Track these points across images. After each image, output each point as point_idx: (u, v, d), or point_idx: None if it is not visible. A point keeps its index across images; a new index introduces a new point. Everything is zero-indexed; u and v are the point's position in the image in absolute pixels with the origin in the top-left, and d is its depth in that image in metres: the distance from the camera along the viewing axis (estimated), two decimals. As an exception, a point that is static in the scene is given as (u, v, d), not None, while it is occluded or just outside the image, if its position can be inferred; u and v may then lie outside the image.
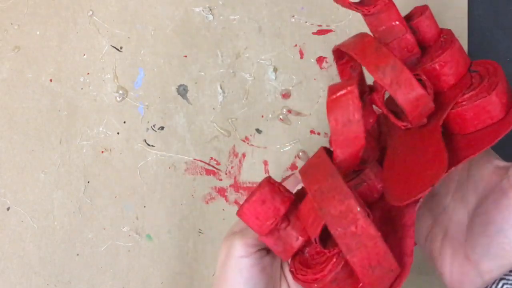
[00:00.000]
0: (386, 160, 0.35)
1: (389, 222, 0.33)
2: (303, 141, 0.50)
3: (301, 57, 0.51)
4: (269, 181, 0.33)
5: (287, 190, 0.34)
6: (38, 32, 0.51)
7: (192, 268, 0.49)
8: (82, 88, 0.51)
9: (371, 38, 0.33)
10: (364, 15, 0.35)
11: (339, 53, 0.38)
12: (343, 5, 0.34)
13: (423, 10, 0.36)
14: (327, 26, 0.51)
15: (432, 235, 0.36)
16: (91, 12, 0.51)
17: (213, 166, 0.50)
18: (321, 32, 0.51)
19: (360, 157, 0.32)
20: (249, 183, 0.50)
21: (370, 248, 0.28)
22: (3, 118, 0.50)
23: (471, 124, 0.33)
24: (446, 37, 0.35)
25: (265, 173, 0.50)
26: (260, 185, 0.33)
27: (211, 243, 0.50)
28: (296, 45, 0.51)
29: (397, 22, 0.34)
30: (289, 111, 0.50)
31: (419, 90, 0.31)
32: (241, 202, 0.50)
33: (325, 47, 0.51)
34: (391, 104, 0.34)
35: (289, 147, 0.50)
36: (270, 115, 0.51)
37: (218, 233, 0.50)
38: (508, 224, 0.30)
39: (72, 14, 0.51)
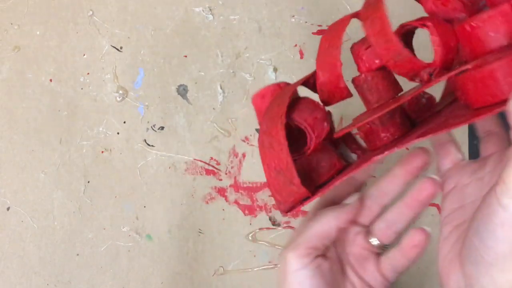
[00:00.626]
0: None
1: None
2: (303, 141, 0.50)
3: (301, 57, 0.51)
4: (278, 84, 0.37)
5: (290, 92, 0.35)
6: (38, 32, 0.51)
7: (192, 268, 0.49)
8: (82, 88, 0.51)
9: None
10: None
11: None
12: None
13: None
14: (327, 26, 0.51)
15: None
16: (91, 12, 0.51)
17: (213, 166, 0.50)
18: (321, 32, 0.51)
19: (340, 86, 0.34)
20: (249, 183, 0.50)
21: (276, 152, 0.32)
22: (3, 118, 0.50)
23: (474, 97, 0.30)
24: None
25: (265, 173, 0.50)
26: (270, 84, 0.37)
27: (211, 243, 0.50)
28: (296, 45, 0.51)
29: None
30: (289, 111, 0.50)
31: (387, 31, 0.30)
32: (241, 202, 0.50)
33: (325, 47, 0.51)
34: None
35: (289, 147, 0.50)
36: (270, 115, 0.51)
37: (218, 233, 0.50)
38: (488, 231, 0.29)
39: (72, 14, 0.51)
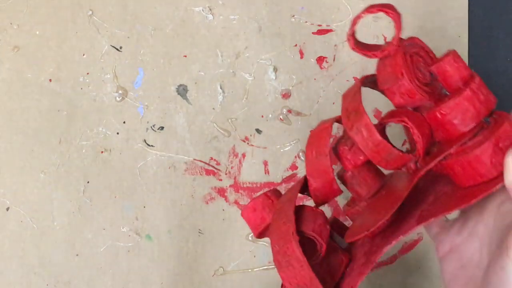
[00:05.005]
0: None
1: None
2: (303, 141, 0.50)
3: (301, 57, 0.51)
4: (266, 194, 0.38)
5: (292, 207, 0.36)
6: (37, 32, 0.51)
7: (192, 268, 0.49)
8: (81, 88, 0.51)
9: (358, 83, 0.34)
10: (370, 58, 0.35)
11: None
12: (350, 47, 0.34)
13: (447, 54, 0.34)
14: (327, 26, 0.51)
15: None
16: (90, 12, 0.51)
17: (213, 166, 0.50)
18: (321, 32, 0.51)
19: (334, 188, 0.35)
20: (249, 183, 0.50)
21: (297, 269, 0.32)
22: (3, 118, 0.50)
23: (463, 178, 0.32)
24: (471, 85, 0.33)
25: (265, 173, 0.50)
26: (258, 195, 0.38)
27: (211, 243, 0.49)
28: (296, 45, 0.51)
29: (398, 68, 0.33)
30: (289, 111, 0.50)
31: (375, 137, 0.32)
32: (241, 202, 0.50)
33: (325, 47, 0.51)
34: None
35: (289, 147, 0.50)
36: (270, 115, 0.50)
37: (218, 233, 0.50)
38: None
39: (71, 14, 0.51)
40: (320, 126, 0.36)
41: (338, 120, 0.35)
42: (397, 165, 0.33)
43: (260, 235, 0.38)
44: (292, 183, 0.50)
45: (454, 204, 0.31)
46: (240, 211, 0.50)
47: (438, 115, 0.32)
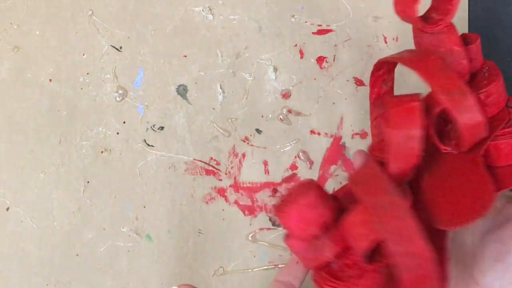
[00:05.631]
0: (425, 182, 0.34)
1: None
2: (303, 141, 0.50)
3: (301, 57, 0.51)
4: (317, 185, 0.32)
5: (331, 197, 0.33)
6: (37, 32, 0.51)
7: (192, 268, 0.49)
8: (81, 88, 0.51)
9: (438, 57, 0.32)
10: (424, 33, 0.34)
11: (379, 65, 0.38)
12: (406, 19, 0.33)
13: (473, 38, 0.35)
14: (327, 26, 0.51)
15: None
16: (90, 12, 0.51)
17: (213, 166, 0.50)
18: (321, 32, 0.51)
19: (411, 174, 0.31)
20: (249, 183, 0.50)
21: (424, 269, 0.28)
22: (2, 118, 0.50)
23: (504, 158, 0.32)
24: (488, 68, 0.35)
25: (265, 173, 0.50)
26: (306, 186, 0.32)
27: (211, 243, 0.49)
28: (296, 45, 0.51)
29: (457, 47, 0.33)
30: (289, 111, 0.50)
31: (480, 117, 0.31)
32: (241, 202, 0.50)
33: (325, 47, 0.51)
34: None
35: (289, 147, 0.50)
36: (270, 115, 0.50)
37: (218, 233, 0.50)
38: None
39: (71, 14, 0.51)
40: (404, 103, 0.31)
41: (427, 98, 0.33)
42: (474, 143, 0.32)
43: (307, 238, 0.32)
44: (293, 183, 0.50)
45: (497, 186, 0.31)
46: (240, 212, 0.50)
47: (483, 96, 0.33)
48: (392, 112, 0.30)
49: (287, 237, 0.33)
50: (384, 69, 0.39)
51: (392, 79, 0.39)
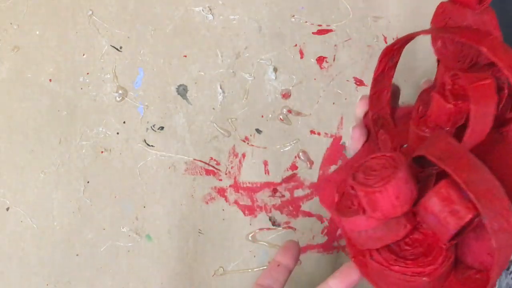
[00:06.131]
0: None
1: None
2: (303, 141, 0.50)
3: (301, 57, 0.51)
4: (404, 158, 0.30)
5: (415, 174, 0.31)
6: (37, 32, 0.51)
7: (192, 268, 0.49)
8: (81, 88, 0.51)
9: (496, 36, 0.32)
10: (468, 13, 0.34)
11: (400, 40, 0.37)
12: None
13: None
14: (327, 26, 0.51)
15: None
16: (90, 12, 0.51)
17: (213, 166, 0.50)
18: (321, 32, 0.51)
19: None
20: (249, 183, 0.50)
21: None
22: (3, 118, 0.50)
23: None
24: None
25: (265, 173, 0.50)
26: (395, 160, 0.30)
27: (211, 243, 0.49)
28: (296, 45, 0.51)
29: (496, 31, 0.33)
30: (289, 111, 0.50)
31: None
32: (241, 203, 0.50)
33: (325, 47, 0.51)
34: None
35: (289, 147, 0.50)
36: (270, 115, 0.50)
37: (218, 233, 0.50)
38: None
39: (71, 14, 0.51)
40: (481, 80, 0.31)
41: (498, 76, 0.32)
42: None
43: (408, 212, 0.31)
44: (293, 183, 0.50)
45: None
46: (240, 211, 0.50)
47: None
48: (472, 88, 0.30)
49: (352, 213, 0.31)
50: (399, 45, 0.38)
51: (399, 55, 0.38)
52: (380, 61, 0.38)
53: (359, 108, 0.40)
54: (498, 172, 0.29)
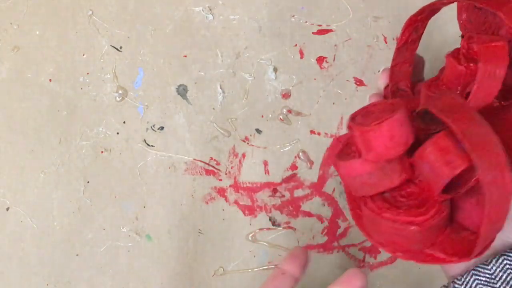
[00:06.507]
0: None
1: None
2: (303, 141, 0.50)
3: (301, 57, 0.51)
4: (403, 103, 0.30)
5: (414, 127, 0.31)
6: (37, 32, 0.51)
7: (192, 268, 0.49)
8: (81, 88, 0.51)
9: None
10: None
11: (423, 9, 0.37)
12: None
13: None
14: (327, 26, 0.51)
15: None
16: (90, 12, 0.51)
17: (213, 166, 0.50)
18: (321, 32, 0.51)
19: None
20: (249, 183, 0.50)
21: (506, 203, 0.27)
22: (2, 118, 0.50)
23: None
24: None
25: (265, 173, 0.50)
26: (394, 104, 0.31)
27: (211, 243, 0.49)
28: (296, 45, 0.51)
29: None
30: (289, 111, 0.50)
31: None
32: (241, 203, 0.50)
33: (325, 47, 0.51)
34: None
35: (289, 147, 0.50)
36: (270, 115, 0.50)
37: (218, 233, 0.50)
38: None
39: (71, 14, 0.51)
40: (494, 41, 0.31)
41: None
42: None
43: (391, 160, 0.31)
44: (293, 183, 0.50)
45: None
46: (240, 212, 0.50)
47: None
48: (483, 48, 0.30)
49: (348, 158, 0.32)
50: (424, 15, 0.37)
51: (424, 28, 0.38)
52: (403, 31, 0.37)
53: (381, 80, 0.39)
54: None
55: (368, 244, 0.50)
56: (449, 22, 0.51)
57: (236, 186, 0.50)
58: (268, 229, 0.50)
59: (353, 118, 0.31)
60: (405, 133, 0.30)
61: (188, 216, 0.50)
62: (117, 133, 0.50)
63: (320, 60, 0.51)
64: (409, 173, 0.31)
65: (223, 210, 0.50)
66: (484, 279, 0.31)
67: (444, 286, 0.34)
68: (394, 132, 0.29)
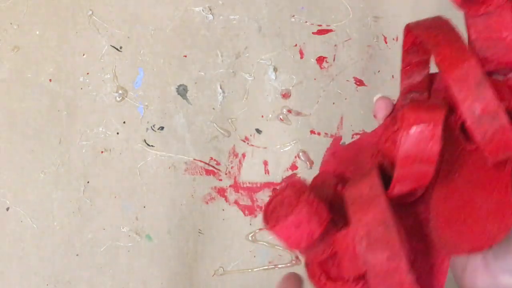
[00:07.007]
0: (438, 187, 0.30)
1: (420, 233, 0.29)
2: (303, 141, 0.50)
3: (301, 57, 0.51)
4: (307, 197, 0.28)
5: (324, 209, 0.29)
6: (37, 32, 0.51)
7: (192, 268, 0.49)
8: (81, 88, 0.51)
9: (454, 27, 0.27)
10: (470, 17, 0.28)
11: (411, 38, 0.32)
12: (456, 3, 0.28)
13: None
14: (327, 26, 0.51)
15: None
16: (90, 12, 0.51)
17: (213, 166, 0.50)
18: (321, 32, 0.51)
19: (417, 195, 0.28)
20: (249, 183, 0.50)
21: None
22: (2, 118, 0.50)
23: None
24: None
25: (265, 173, 0.50)
26: (295, 197, 0.28)
27: (211, 243, 0.49)
28: (296, 45, 0.51)
29: (507, 34, 0.26)
30: (289, 111, 0.50)
31: (502, 120, 0.24)
32: (241, 203, 0.50)
33: (325, 47, 0.51)
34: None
35: (289, 147, 0.50)
36: (270, 115, 0.50)
37: (218, 233, 0.50)
38: None
39: (71, 14, 0.51)
40: (421, 120, 0.26)
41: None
42: (504, 153, 0.26)
43: (305, 250, 0.29)
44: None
45: None
46: (240, 212, 0.50)
47: None
48: (405, 132, 0.26)
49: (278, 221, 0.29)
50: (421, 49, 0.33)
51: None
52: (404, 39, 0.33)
53: (379, 114, 0.35)
54: (469, 191, 0.27)
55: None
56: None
57: (236, 186, 0.50)
58: (268, 229, 0.50)
59: (268, 204, 0.29)
60: (306, 233, 0.28)
61: (188, 216, 0.50)
62: (117, 133, 0.50)
63: (320, 60, 0.51)
64: (337, 246, 0.29)
65: (223, 210, 0.50)
66: None
67: None
68: (291, 234, 0.28)
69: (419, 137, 0.25)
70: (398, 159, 0.26)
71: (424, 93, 0.33)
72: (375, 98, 0.36)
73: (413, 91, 0.34)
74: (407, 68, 0.34)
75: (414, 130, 0.25)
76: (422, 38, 0.27)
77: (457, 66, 0.24)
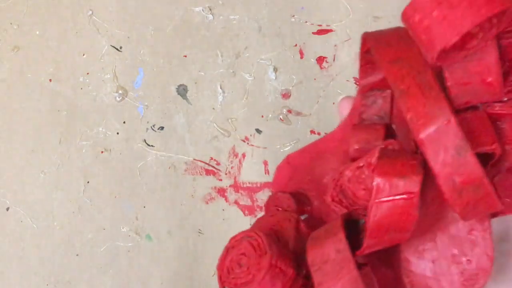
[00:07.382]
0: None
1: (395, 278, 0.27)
2: (303, 141, 0.50)
3: (301, 57, 0.51)
4: (270, 263, 0.25)
5: (288, 266, 0.26)
6: (37, 32, 0.51)
7: (192, 268, 0.49)
8: (81, 88, 0.51)
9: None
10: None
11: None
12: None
13: None
14: (327, 26, 0.51)
15: None
16: (90, 12, 0.51)
17: (213, 166, 0.50)
18: (321, 32, 0.51)
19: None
20: (249, 183, 0.50)
21: None
22: (2, 118, 0.50)
23: None
24: None
25: (265, 173, 0.50)
26: (260, 268, 0.26)
27: (211, 243, 0.49)
28: (296, 45, 0.51)
29: (491, 79, 0.22)
30: (289, 111, 0.50)
31: (487, 188, 0.21)
32: (241, 203, 0.50)
33: (325, 47, 0.51)
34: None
35: (289, 147, 0.50)
36: (270, 115, 0.50)
37: (218, 233, 0.50)
38: None
39: (71, 14, 0.51)
40: (397, 192, 0.22)
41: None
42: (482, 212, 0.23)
43: None
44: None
45: None
46: (240, 212, 0.50)
47: None
48: (376, 201, 0.23)
49: None
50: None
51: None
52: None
53: (343, 112, 0.34)
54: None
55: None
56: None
57: (236, 186, 0.50)
58: (268, 229, 0.50)
59: (223, 258, 0.28)
60: None
61: (188, 216, 0.50)
62: (117, 133, 0.50)
63: (320, 60, 0.51)
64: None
65: (223, 210, 0.50)
66: None
67: None
68: None
69: (393, 211, 0.22)
70: (368, 228, 0.23)
71: (386, 90, 0.30)
72: (339, 98, 0.34)
73: (375, 89, 0.31)
74: (367, 65, 0.31)
75: (387, 204, 0.22)
76: (380, 63, 0.24)
77: (433, 124, 0.21)
